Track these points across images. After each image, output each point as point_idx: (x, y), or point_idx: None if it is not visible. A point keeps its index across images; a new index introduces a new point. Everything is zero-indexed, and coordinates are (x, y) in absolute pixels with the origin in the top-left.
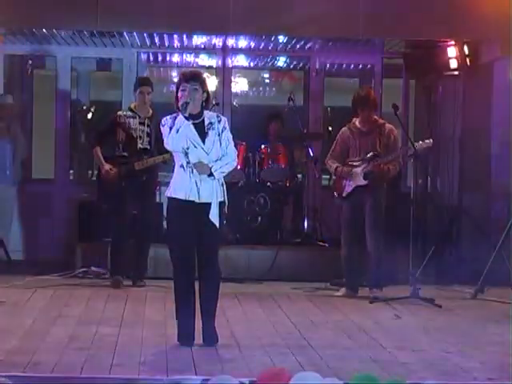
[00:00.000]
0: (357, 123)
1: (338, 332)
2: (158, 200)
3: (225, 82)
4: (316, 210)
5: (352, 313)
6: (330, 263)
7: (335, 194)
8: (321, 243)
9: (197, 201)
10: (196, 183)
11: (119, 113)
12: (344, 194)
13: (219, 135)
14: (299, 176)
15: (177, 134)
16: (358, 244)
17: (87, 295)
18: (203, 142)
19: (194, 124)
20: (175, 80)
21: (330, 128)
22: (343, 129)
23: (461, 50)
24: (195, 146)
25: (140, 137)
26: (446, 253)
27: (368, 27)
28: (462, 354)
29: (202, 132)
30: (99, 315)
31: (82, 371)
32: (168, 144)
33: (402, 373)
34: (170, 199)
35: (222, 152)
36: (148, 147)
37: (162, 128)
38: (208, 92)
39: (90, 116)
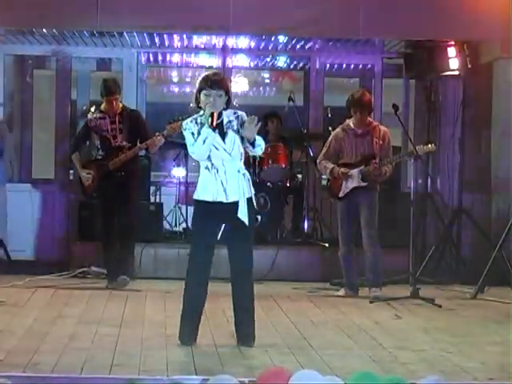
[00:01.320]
0: (351, 124)
1: (338, 332)
2: (158, 200)
3: None
4: (316, 210)
5: (352, 313)
6: (329, 263)
7: (330, 195)
8: (321, 243)
9: (225, 201)
10: (222, 183)
11: (89, 117)
12: (340, 195)
13: (238, 132)
14: (299, 176)
15: (203, 145)
16: (356, 243)
17: (87, 295)
18: (223, 141)
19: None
20: (175, 80)
21: (330, 128)
22: (337, 130)
23: (461, 50)
24: (217, 149)
25: (114, 136)
26: (445, 253)
27: (368, 27)
28: (462, 353)
29: (222, 132)
30: (99, 315)
31: (82, 371)
32: (193, 153)
33: (401, 373)
34: (197, 202)
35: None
36: (123, 144)
37: (184, 132)
38: (230, 96)
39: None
